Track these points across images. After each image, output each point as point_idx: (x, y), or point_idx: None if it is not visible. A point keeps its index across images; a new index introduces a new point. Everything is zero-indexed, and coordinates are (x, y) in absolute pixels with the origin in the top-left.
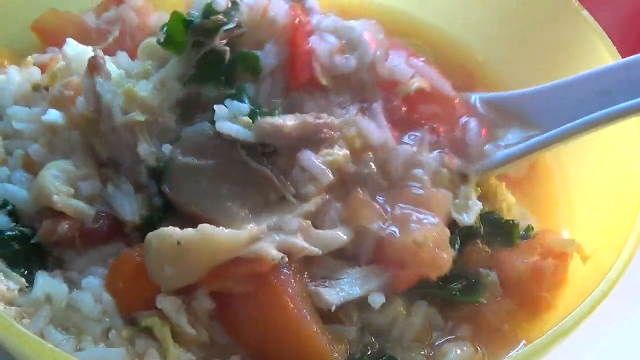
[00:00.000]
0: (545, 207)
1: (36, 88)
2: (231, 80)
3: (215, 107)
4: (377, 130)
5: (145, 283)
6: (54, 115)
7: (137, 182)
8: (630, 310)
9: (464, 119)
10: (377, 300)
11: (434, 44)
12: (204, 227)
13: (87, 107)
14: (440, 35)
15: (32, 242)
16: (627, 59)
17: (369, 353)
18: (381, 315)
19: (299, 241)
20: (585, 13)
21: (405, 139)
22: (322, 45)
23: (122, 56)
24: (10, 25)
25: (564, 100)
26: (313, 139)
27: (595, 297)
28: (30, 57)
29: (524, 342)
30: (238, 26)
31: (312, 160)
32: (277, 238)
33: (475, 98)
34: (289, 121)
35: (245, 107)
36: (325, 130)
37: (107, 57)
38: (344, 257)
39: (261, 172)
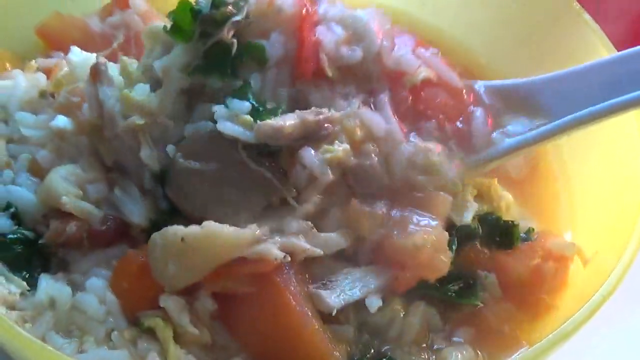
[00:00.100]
0: (547, 208)
1: (42, 94)
2: (236, 71)
3: (215, 107)
4: (381, 120)
5: (149, 283)
6: (61, 121)
7: (142, 187)
8: (630, 313)
9: (470, 109)
10: (374, 303)
11: (435, 46)
12: (209, 224)
13: (90, 113)
14: (441, 37)
15: (40, 242)
16: (637, 47)
17: (368, 355)
18: (378, 314)
19: (301, 242)
20: (586, 15)
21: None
22: (328, 36)
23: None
24: (13, 28)
25: (572, 88)
26: (314, 136)
27: (596, 301)
28: (33, 61)
29: (524, 345)
30: (246, 17)
31: (313, 158)
32: (279, 239)
33: (480, 85)
34: (289, 121)
35: (247, 105)
36: (326, 125)
37: (110, 63)
38: (343, 257)
39: (262, 174)
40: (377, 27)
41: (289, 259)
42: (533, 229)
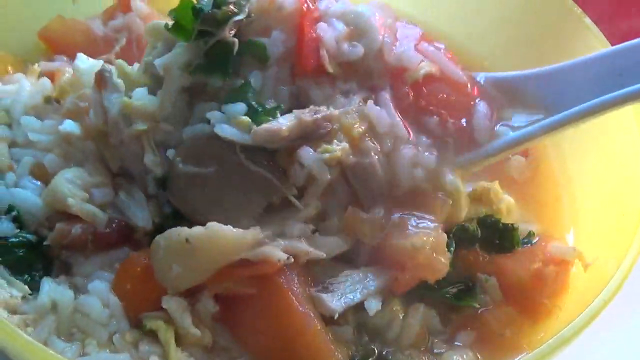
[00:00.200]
0: (548, 211)
1: (47, 100)
2: (238, 70)
3: (208, 114)
4: (384, 117)
5: (151, 285)
6: (70, 126)
7: (147, 192)
8: (630, 317)
9: (474, 103)
10: (373, 306)
11: None
12: (212, 225)
13: (96, 120)
14: (443, 40)
15: (45, 244)
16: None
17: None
18: (377, 315)
19: (303, 245)
20: (587, 20)
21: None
22: (329, 32)
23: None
24: (15, 31)
25: (572, 81)
26: (312, 136)
27: (596, 305)
28: (36, 64)
29: (525, 349)
30: (248, 16)
31: (311, 158)
32: (282, 242)
33: (481, 77)
34: (286, 122)
35: (242, 107)
36: (324, 124)
37: (113, 69)
38: (343, 259)
39: (261, 174)
40: (379, 22)
41: (292, 260)
42: (533, 233)
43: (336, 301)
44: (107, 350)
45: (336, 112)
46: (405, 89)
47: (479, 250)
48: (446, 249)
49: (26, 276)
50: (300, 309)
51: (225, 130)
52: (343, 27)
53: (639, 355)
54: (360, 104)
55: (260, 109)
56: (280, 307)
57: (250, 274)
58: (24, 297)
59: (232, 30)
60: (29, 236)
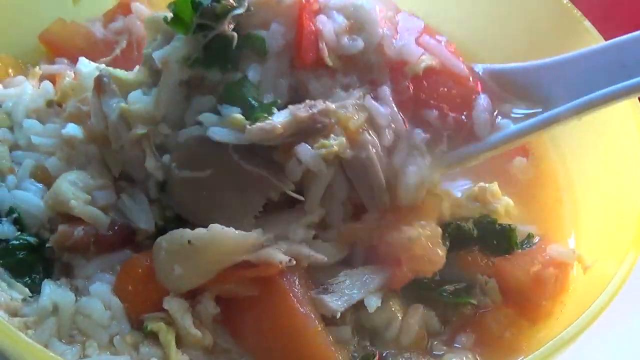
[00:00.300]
0: (548, 212)
1: (49, 104)
2: (237, 64)
3: (200, 117)
4: (383, 111)
5: (153, 286)
6: (73, 129)
7: (149, 196)
8: (630, 318)
9: (475, 96)
10: (373, 303)
11: None
12: (215, 227)
13: (97, 125)
14: None
15: (47, 245)
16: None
17: None
18: (376, 315)
19: (305, 249)
20: (587, 23)
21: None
22: (328, 25)
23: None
24: (15, 34)
25: (576, 73)
26: (309, 132)
27: (596, 308)
28: (37, 67)
29: (525, 351)
30: (247, 10)
31: (308, 154)
32: (284, 246)
33: (479, 68)
34: (280, 119)
35: (235, 110)
36: (321, 119)
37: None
38: (341, 260)
39: (256, 173)
40: (380, 15)
41: (294, 262)
42: (532, 235)
43: (336, 301)
44: (108, 353)
45: (332, 106)
46: (406, 82)
47: (478, 252)
48: (441, 242)
49: (27, 279)
50: (302, 310)
51: (217, 133)
52: (343, 20)
53: (639, 357)
54: (359, 100)
55: (256, 105)
56: (282, 309)
57: (252, 275)
58: (24, 300)
59: (231, 24)
60: (29, 238)
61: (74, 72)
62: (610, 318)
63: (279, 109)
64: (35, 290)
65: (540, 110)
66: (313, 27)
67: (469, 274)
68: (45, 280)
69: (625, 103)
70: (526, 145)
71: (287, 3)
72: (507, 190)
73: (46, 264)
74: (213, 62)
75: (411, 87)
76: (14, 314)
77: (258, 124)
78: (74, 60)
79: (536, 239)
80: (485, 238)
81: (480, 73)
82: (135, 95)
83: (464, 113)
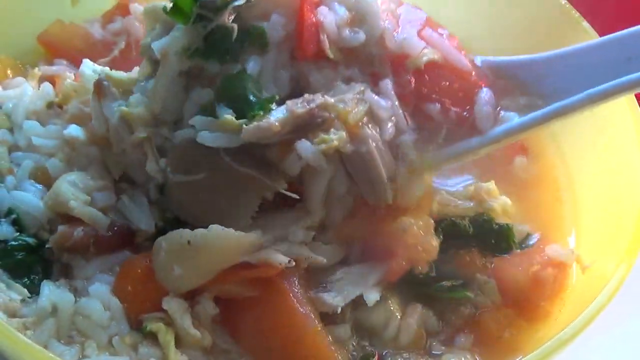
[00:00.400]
0: (549, 211)
1: (50, 106)
2: (236, 56)
3: (191, 121)
4: (384, 104)
5: (152, 286)
6: (75, 130)
7: (149, 198)
8: (628, 318)
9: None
10: (372, 297)
11: None
12: (215, 227)
13: (98, 128)
14: None
15: (47, 246)
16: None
17: None
18: (374, 314)
19: (305, 250)
20: (585, 24)
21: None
22: (329, 17)
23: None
24: (14, 35)
25: (579, 66)
26: (308, 127)
27: (594, 309)
28: (37, 69)
29: (524, 352)
30: (247, 1)
31: (309, 150)
32: (284, 247)
33: (478, 61)
34: (277, 115)
35: (228, 111)
36: (320, 113)
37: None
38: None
39: (249, 174)
40: (381, 7)
41: (294, 263)
42: (530, 234)
43: (336, 297)
44: (107, 353)
45: (331, 100)
46: (407, 76)
47: (476, 252)
48: (434, 233)
49: (25, 279)
50: (301, 310)
51: (207, 138)
52: (344, 12)
53: (637, 358)
54: (359, 94)
55: (254, 100)
56: (282, 309)
57: (251, 276)
58: (23, 301)
59: (231, 15)
60: (28, 239)
61: (75, 74)
62: (609, 318)
63: (279, 103)
64: (34, 291)
65: (541, 103)
66: (314, 19)
67: (467, 273)
68: (44, 281)
69: (623, 101)
70: (525, 143)
71: None
72: (505, 189)
73: (45, 265)
74: (212, 54)
75: (413, 81)
76: (12, 314)
77: (254, 123)
78: (73, 61)
79: (535, 238)
80: (483, 237)
81: (479, 64)
82: (136, 98)
83: (466, 107)
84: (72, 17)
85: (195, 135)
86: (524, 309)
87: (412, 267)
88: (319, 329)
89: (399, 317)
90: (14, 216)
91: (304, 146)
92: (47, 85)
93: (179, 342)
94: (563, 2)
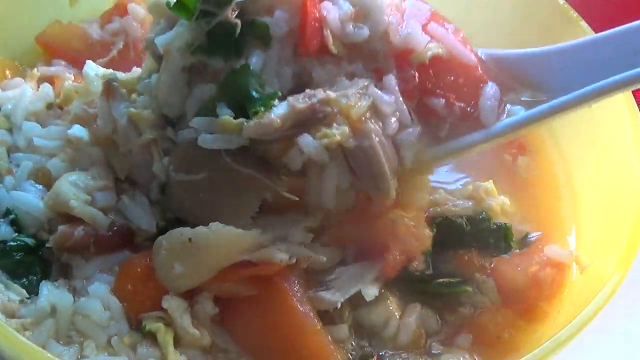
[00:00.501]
0: (549, 210)
1: (49, 107)
2: (240, 51)
3: (192, 122)
4: (387, 99)
5: (153, 285)
6: (79, 131)
7: (150, 198)
8: (627, 319)
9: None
10: (370, 292)
11: None
12: (216, 224)
13: (105, 129)
14: None
15: (47, 245)
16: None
17: None
18: (372, 313)
19: (304, 249)
20: (583, 23)
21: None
22: (333, 12)
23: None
24: (12, 36)
25: (584, 60)
26: (309, 122)
27: (593, 308)
28: (35, 69)
29: (522, 352)
30: None
31: (311, 145)
32: (284, 247)
33: (481, 53)
34: (279, 112)
35: (228, 111)
36: (322, 108)
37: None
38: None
39: (250, 175)
40: (387, 1)
41: (294, 260)
42: (529, 234)
43: (335, 294)
44: (106, 353)
45: (333, 95)
46: (412, 71)
47: (475, 252)
48: (426, 224)
49: (24, 280)
50: (301, 308)
51: (207, 140)
52: (348, 7)
53: (635, 358)
54: (363, 89)
55: (256, 95)
56: (281, 308)
57: (252, 274)
58: (21, 301)
59: (234, 11)
60: (27, 240)
61: (74, 75)
62: (607, 318)
63: (282, 99)
64: (33, 291)
65: (545, 98)
66: (317, 14)
67: (466, 273)
68: (43, 281)
69: (622, 100)
70: (523, 142)
71: None
72: (504, 188)
73: (43, 265)
74: (216, 50)
75: (417, 76)
76: (11, 315)
77: (255, 120)
78: (71, 62)
79: (533, 237)
80: (481, 236)
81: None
82: (143, 100)
83: (471, 102)
84: (70, 18)
85: (197, 135)
86: (522, 309)
87: (409, 259)
88: (319, 327)
89: (398, 316)
90: (12, 216)
91: (305, 141)
92: (46, 86)
93: (177, 342)
94: (561, 2)
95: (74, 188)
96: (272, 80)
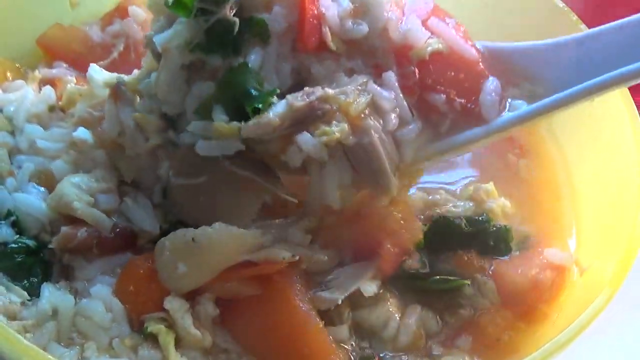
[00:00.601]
0: (549, 211)
1: (52, 109)
2: (238, 48)
3: (189, 127)
4: (386, 96)
5: (155, 286)
6: (83, 133)
7: (152, 201)
8: (626, 321)
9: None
10: (369, 288)
11: None
12: (218, 224)
13: (111, 132)
14: None
15: (49, 246)
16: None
17: None
18: (372, 314)
19: (305, 250)
20: (583, 27)
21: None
22: (332, 9)
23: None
24: (13, 38)
25: (586, 53)
26: (308, 120)
27: (592, 311)
28: (37, 71)
29: (522, 354)
30: None
31: (310, 143)
32: (284, 247)
33: (480, 46)
34: (277, 110)
35: (224, 118)
36: (320, 105)
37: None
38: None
39: (249, 178)
40: None
41: (297, 258)
42: (529, 236)
43: (334, 292)
44: (107, 355)
45: (331, 92)
46: (411, 67)
47: (475, 253)
48: (415, 217)
49: (25, 282)
50: (303, 308)
51: (203, 148)
52: (347, 3)
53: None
54: (362, 86)
55: (255, 93)
56: (283, 307)
57: (254, 273)
58: (23, 303)
59: (232, 8)
60: (28, 242)
61: (75, 77)
62: (607, 321)
63: (281, 96)
64: (34, 293)
65: (545, 92)
66: (316, 11)
67: (465, 273)
68: (45, 283)
69: (620, 100)
70: (524, 144)
71: None
72: (505, 189)
73: (45, 267)
74: (214, 48)
75: (417, 72)
76: (12, 317)
77: (254, 120)
78: (72, 64)
79: (533, 239)
80: (481, 238)
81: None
82: (147, 104)
83: (472, 98)
84: (71, 20)
85: (196, 139)
86: (522, 311)
87: (403, 252)
88: (320, 326)
89: (398, 318)
90: (13, 218)
91: (304, 139)
92: (48, 89)
93: (179, 343)
94: (561, 5)
95: (77, 190)
96: (270, 76)
